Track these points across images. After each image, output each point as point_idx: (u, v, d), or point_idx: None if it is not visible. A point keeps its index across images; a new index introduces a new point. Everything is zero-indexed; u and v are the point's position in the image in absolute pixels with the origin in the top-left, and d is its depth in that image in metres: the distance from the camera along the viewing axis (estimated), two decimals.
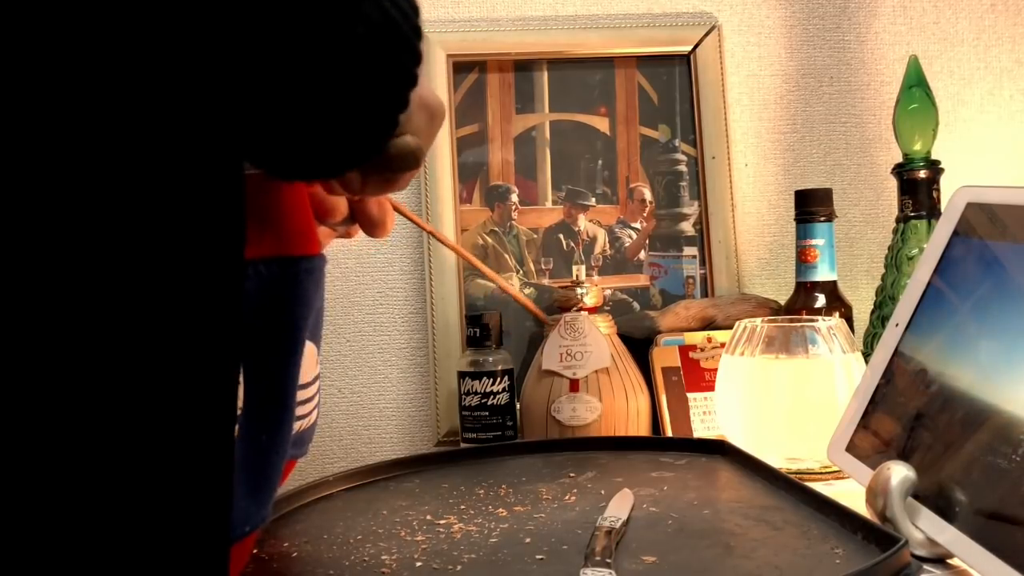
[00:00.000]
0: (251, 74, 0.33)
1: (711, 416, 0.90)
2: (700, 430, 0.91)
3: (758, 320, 0.80)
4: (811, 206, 0.91)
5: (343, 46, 0.35)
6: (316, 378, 0.56)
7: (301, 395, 0.53)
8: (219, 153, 0.35)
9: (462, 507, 0.64)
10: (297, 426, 0.54)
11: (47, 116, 0.31)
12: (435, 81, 1.03)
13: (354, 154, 0.39)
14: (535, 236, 1.05)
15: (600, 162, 1.07)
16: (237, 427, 0.43)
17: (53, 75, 0.31)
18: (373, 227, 0.52)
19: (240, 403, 0.44)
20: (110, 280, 0.32)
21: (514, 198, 1.05)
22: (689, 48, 1.07)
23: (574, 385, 0.89)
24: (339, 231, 0.54)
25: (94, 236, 0.32)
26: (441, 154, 1.02)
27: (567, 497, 0.66)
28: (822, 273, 0.91)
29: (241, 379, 0.43)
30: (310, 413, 0.55)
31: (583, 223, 1.06)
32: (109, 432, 0.33)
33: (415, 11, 0.39)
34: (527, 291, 1.04)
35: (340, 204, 0.51)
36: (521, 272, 1.04)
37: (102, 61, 0.31)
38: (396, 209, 0.56)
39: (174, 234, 0.34)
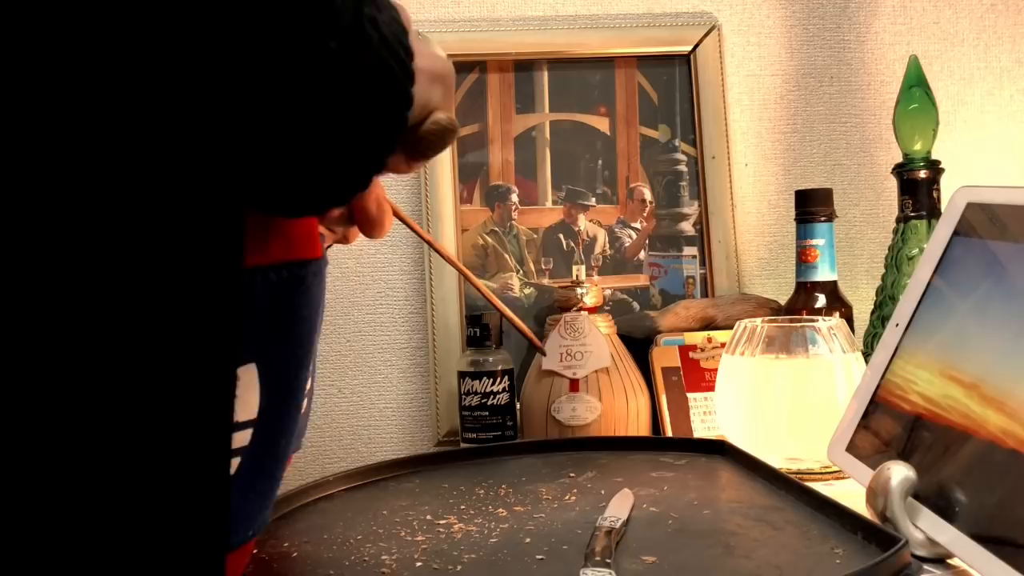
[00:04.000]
0: (243, 119, 0.34)
1: (711, 416, 0.90)
2: (700, 430, 0.90)
3: (758, 320, 0.80)
4: (811, 206, 0.91)
5: (338, 94, 0.35)
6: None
7: None
8: (218, 165, 0.35)
9: (462, 507, 0.64)
10: None
11: (48, 121, 0.31)
12: None
13: (342, 193, 0.40)
14: (535, 236, 1.05)
15: (600, 162, 1.07)
16: (253, 433, 0.43)
17: (54, 81, 0.31)
18: (371, 227, 0.52)
19: (257, 409, 0.43)
20: (109, 289, 0.32)
21: (514, 198, 1.05)
22: (689, 48, 1.07)
23: (574, 385, 0.89)
24: (337, 234, 0.54)
25: (91, 246, 0.32)
26: (441, 154, 1.02)
27: (567, 497, 0.66)
28: (822, 273, 0.91)
29: (258, 385, 0.43)
30: (304, 404, 0.55)
31: (583, 223, 1.06)
32: (105, 439, 0.33)
33: (410, 56, 0.39)
34: (527, 291, 1.04)
35: None
36: (521, 272, 1.04)
37: (106, 77, 0.31)
38: (395, 214, 0.56)
39: (171, 242, 0.34)
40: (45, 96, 0.31)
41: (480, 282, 0.71)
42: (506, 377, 0.91)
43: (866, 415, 0.64)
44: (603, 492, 0.66)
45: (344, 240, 0.55)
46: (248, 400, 0.41)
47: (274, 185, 0.37)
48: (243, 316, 0.37)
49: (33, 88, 0.31)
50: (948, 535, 0.52)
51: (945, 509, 0.53)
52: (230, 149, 0.34)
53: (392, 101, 0.38)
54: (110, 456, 0.33)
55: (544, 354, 0.90)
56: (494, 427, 0.91)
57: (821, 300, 0.92)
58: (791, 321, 0.81)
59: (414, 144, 0.45)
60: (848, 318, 0.91)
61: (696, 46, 1.07)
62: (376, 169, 0.40)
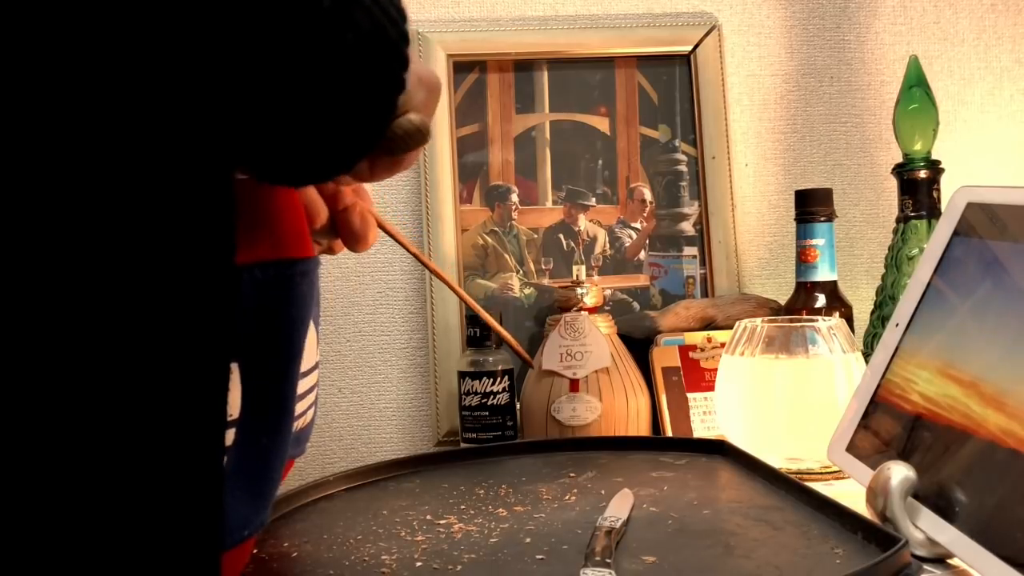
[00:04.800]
0: (242, 81, 0.33)
1: (711, 416, 0.90)
2: (700, 430, 0.91)
3: (758, 320, 0.80)
4: (811, 206, 0.91)
5: (333, 53, 0.35)
6: (316, 366, 0.55)
7: (301, 385, 0.53)
8: (210, 157, 0.35)
9: (462, 507, 0.64)
10: (296, 424, 0.54)
11: (42, 119, 0.31)
12: None
13: (344, 158, 0.40)
14: (535, 236, 1.05)
15: (600, 162, 1.07)
16: (237, 431, 0.43)
17: (49, 79, 0.31)
18: (355, 240, 0.52)
19: (239, 408, 0.43)
20: (99, 286, 0.32)
21: (514, 198, 1.05)
22: (689, 48, 1.07)
23: (574, 385, 0.89)
24: (322, 245, 0.54)
25: (84, 242, 0.32)
26: (441, 154, 1.02)
27: (567, 497, 0.66)
28: (822, 273, 0.91)
29: (240, 383, 0.43)
30: (307, 410, 0.55)
31: (583, 223, 1.06)
32: (96, 438, 0.32)
33: (403, 18, 0.39)
34: (527, 291, 1.04)
35: (322, 210, 0.51)
36: (521, 272, 1.04)
37: (97, 65, 0.31)
38: (381, 227, 0.56)
39: (164, 239, 0.34)
40: (30, 82, 0.31)
41: (466, 293, 0.71)
42: (506, 377, 0.91)
43: (866, 415, 0.64)
44: (603, 492, 0.66)
45: (329, 251, 0.55)
46: (230, 398, 0.41)
47: (275, 150, 0.37)
48: (236, 311, 0.37)
49: (16, 76, 0.31)
50: (948, 535, 0.52)
51: (945, 509, 0.53)
52: (228, 114, 0.34)
53: (387, 60, 0.38)
54: (103, 453, 0.33)
55: (532, 367, 0.90)
56: (494, 427, 0.91)
57: (821, 300, 0.92)
58: (791, 321, 0.81)
59: (384, 140, 0.43)
60: (848, 318, 0.91)
61: (696, 46, 1.07)
62: (376, 133, 0.40)
